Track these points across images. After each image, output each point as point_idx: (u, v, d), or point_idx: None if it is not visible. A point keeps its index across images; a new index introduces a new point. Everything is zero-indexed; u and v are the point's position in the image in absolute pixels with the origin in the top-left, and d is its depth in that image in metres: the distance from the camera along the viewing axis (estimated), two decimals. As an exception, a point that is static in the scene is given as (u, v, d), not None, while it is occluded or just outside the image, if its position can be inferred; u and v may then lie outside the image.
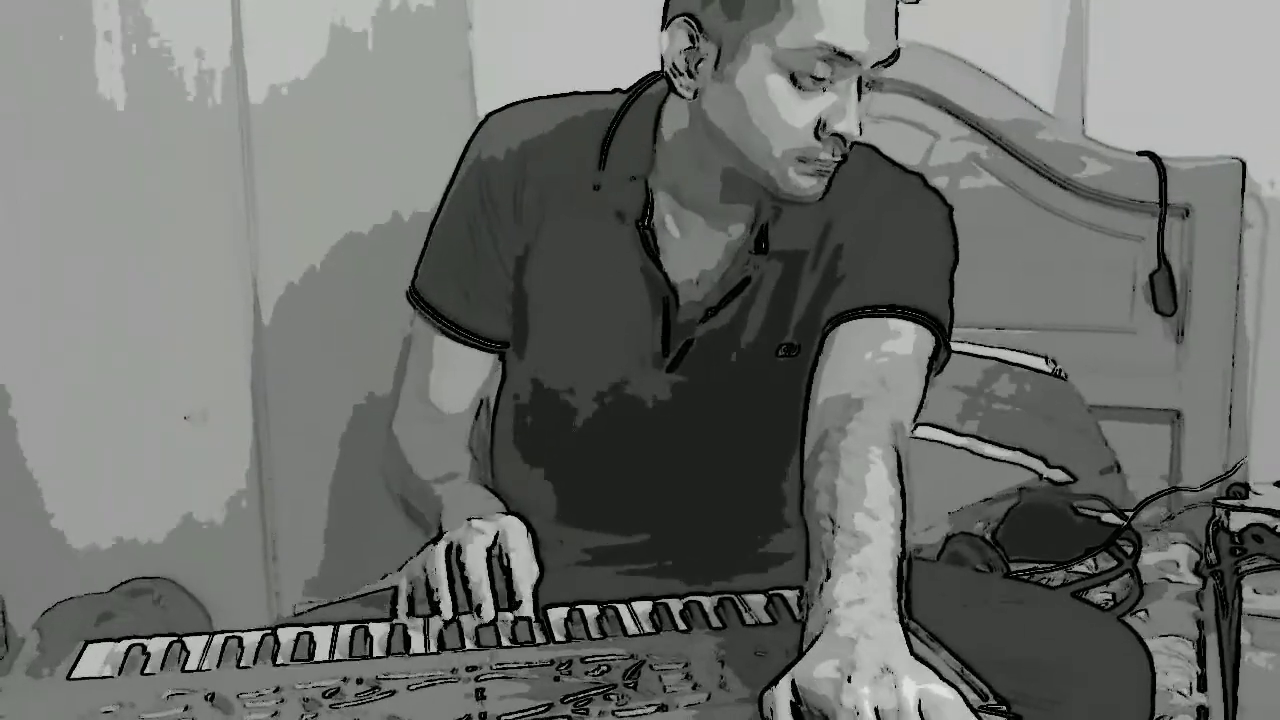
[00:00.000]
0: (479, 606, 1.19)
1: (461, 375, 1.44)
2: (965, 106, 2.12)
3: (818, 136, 1.22)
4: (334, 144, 2.22)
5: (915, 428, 1.26)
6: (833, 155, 1.24)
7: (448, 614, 1.19)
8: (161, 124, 2.21)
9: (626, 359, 1.38)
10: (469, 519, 1.25)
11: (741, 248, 1.35)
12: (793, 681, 0.96)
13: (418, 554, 1.26)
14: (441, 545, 1.22)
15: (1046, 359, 2.09)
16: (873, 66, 1.22)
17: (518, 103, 1.42)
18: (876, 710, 0.92)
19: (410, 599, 1.24)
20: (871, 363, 1.25)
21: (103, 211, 2.23)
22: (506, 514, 1.27)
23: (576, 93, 1.42)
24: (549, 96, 1.42)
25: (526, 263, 1.38)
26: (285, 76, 2.21)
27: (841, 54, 1.19)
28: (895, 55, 1.23)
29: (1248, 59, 2.02)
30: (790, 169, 1.24)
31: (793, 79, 1.20)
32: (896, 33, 1.23)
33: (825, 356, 1.27)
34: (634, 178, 1.33)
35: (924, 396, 1.28)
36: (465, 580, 1.20)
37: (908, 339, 1.28)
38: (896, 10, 1.23)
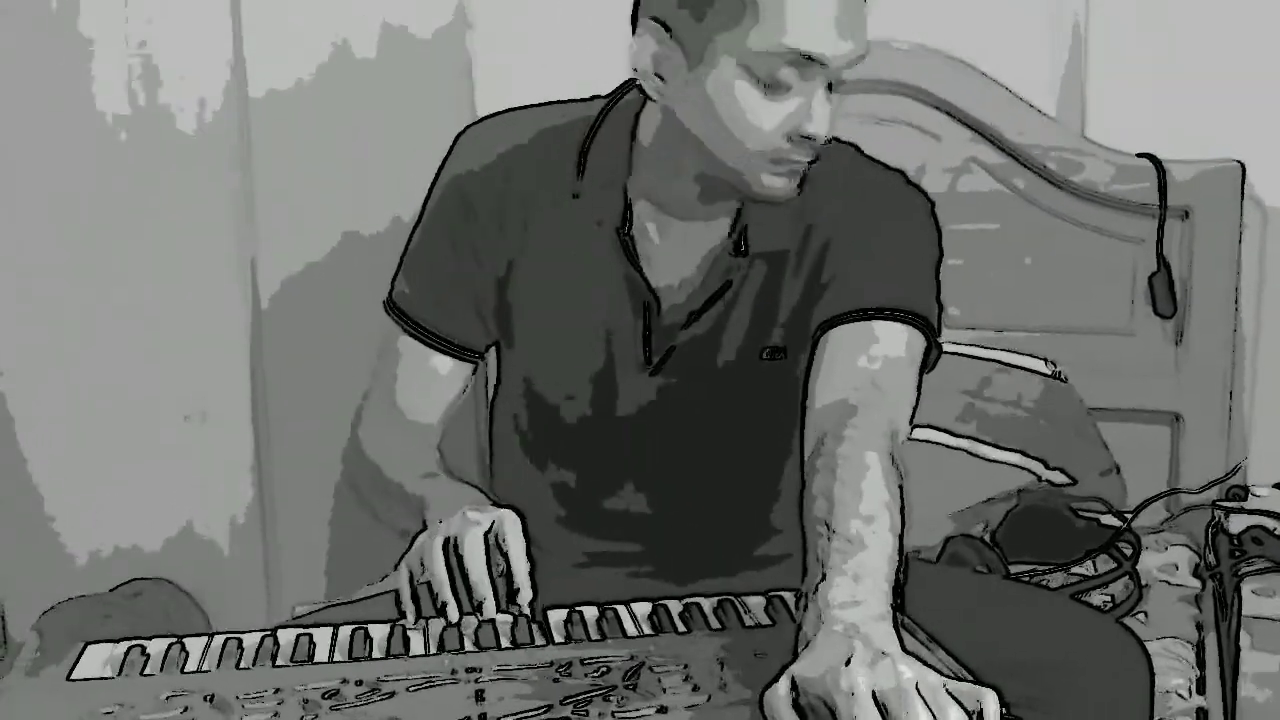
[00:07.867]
0: (480, 605, 1.17)
1: (433, 384, 1.43)
2: (965, 108, 2.12)
3: (789, 139, 1.22)
4: (334, 144, 2.22)
5: (912, 429, 1.26)
6: (804, 156, 1.24)
7: (453, 617, 1.17)
8: (161, 124, 2.22)
9: (612, 365, 1.38)
10: (464, 509, 1.23)
11: (722, 252, 1.34)
12: (791, 677, 0.96)
13: (410, 547, 1.24)
14: (438, 540, 1.20)
15: (1046, 361, 2.08)
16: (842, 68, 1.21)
17: (494, 114, 1.42)
18: (875, 693, 0.92)
19: (415, 598, 1.21)
20: (865, 367, 1.25)
21: (103, 214, 2.24)
22: (499, 506, 1.25)
23: (552, 102, 1.41)
24: (525, 107, 1.41)
25: (511, 275, 1.38)
26: (285, 76, 2.21)
27: (808, 57, 1.18)
28: (864, 55, 1.22)
29: (1247, 62, 2.01)
30: (762, 171, 1.24)
31: (762, 82, 1.20)
32: (865, 31, 1.21)
33: (818, 361, 1.27)
34: (612, 185, 1.33)
35: (918, 397, 1.28)
36: (465, 576, 1.18)
37: (899, 341, 1.28)
38: (864, 8, 1.21)
